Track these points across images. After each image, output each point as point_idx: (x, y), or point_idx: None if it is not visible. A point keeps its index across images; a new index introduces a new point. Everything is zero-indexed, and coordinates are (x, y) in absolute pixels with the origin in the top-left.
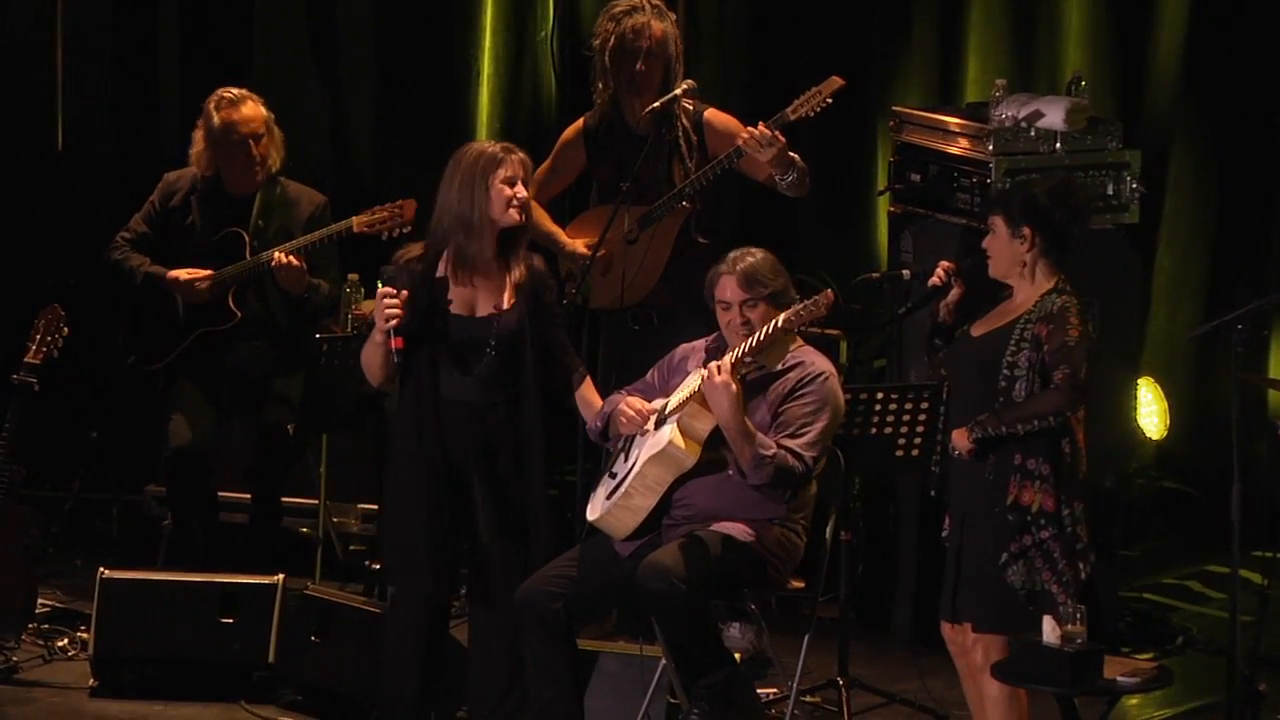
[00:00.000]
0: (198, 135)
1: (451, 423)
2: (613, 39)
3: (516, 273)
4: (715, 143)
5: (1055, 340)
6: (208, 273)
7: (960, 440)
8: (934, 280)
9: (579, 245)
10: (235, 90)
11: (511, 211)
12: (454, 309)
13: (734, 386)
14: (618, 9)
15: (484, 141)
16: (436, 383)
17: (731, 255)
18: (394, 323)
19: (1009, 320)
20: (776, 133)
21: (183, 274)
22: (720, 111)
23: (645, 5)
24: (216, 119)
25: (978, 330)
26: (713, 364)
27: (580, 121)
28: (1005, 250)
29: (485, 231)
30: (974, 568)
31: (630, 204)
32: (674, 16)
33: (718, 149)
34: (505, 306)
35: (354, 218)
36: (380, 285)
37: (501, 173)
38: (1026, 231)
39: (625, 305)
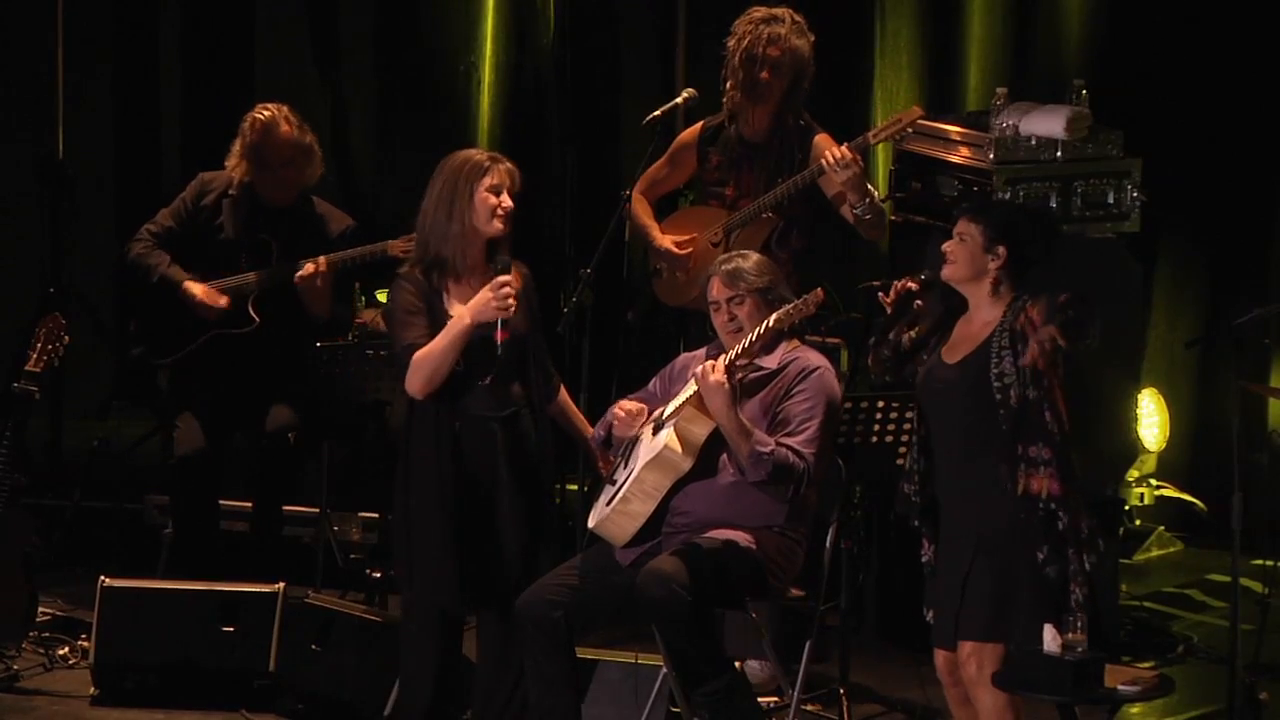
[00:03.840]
0: (235, 148)
1: (471, 436)
2: (746, 40)
3: (516, 279)
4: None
5: (1036, 310)
6: (224, 300)
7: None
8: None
9: (667, 242)
10: (270, 110)
11: (495, 221)
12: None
13: (726, 385)
14: (758, 14)
15: (472, 150)
16: (455, 395)
17: (720, 258)
18: (509, 313)
19: (984, 339)
20: (856, 157)
21: (199, 291)
22: (830, 138)
23: (787, 18)
24: (252, 139)
25: (951, 358)
26: (707, 363)
27: (701, 123)
28: (972, 260)
29: (469, 240)
30: (1001, 585)
31: (729, 209)
32: (813, 38)
33: None
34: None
35: (389, 241)
36: (495, 273)
37: (487, 180)
38: (1001, 250)
39: (695, 307)
